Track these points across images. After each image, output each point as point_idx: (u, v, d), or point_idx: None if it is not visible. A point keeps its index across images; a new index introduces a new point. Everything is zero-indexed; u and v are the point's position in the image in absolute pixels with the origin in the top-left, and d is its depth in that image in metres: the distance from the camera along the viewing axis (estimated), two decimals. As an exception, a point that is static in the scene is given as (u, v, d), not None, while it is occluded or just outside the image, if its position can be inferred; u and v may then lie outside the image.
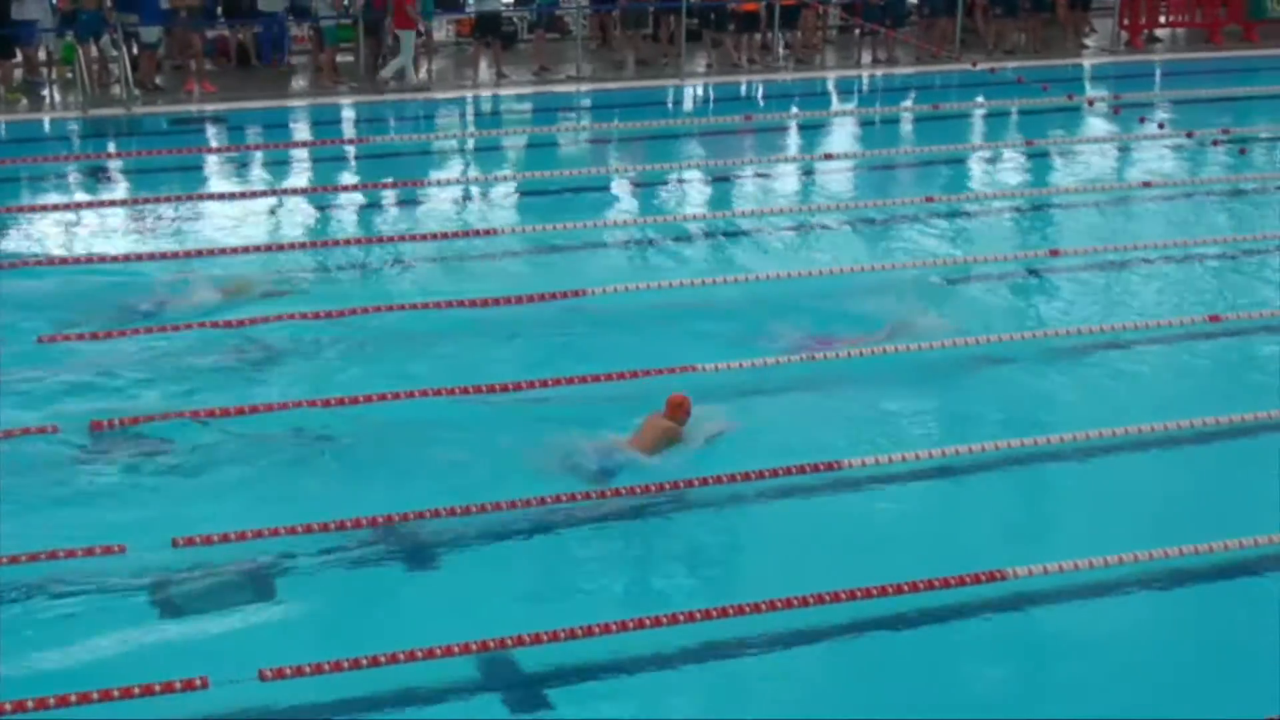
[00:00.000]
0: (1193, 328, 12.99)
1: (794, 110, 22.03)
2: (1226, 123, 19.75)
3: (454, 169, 18.83)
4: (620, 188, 17.81)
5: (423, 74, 21.98)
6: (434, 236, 15.42)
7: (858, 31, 24.08)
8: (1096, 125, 20.57)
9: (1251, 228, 15.94)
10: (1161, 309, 13.37)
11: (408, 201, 17.04)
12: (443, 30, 24.35)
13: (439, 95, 21.67)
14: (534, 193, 17.35)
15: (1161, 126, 19.65)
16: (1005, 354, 12.40)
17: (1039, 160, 18.95)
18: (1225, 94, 21.63)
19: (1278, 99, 21.48)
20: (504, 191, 17.74)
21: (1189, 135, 19.30)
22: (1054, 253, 14.92)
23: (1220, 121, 19.79)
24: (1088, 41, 25.18)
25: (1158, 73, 23.94)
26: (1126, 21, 24.93)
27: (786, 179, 18.23)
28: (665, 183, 17.95)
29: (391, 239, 15.44)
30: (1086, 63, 24.27)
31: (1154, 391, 11.88)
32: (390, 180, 17.67)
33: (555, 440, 10.58)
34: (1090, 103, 21.23)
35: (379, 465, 10.53)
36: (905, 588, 8.88)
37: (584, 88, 22.03)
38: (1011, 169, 18.82)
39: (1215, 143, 18.97)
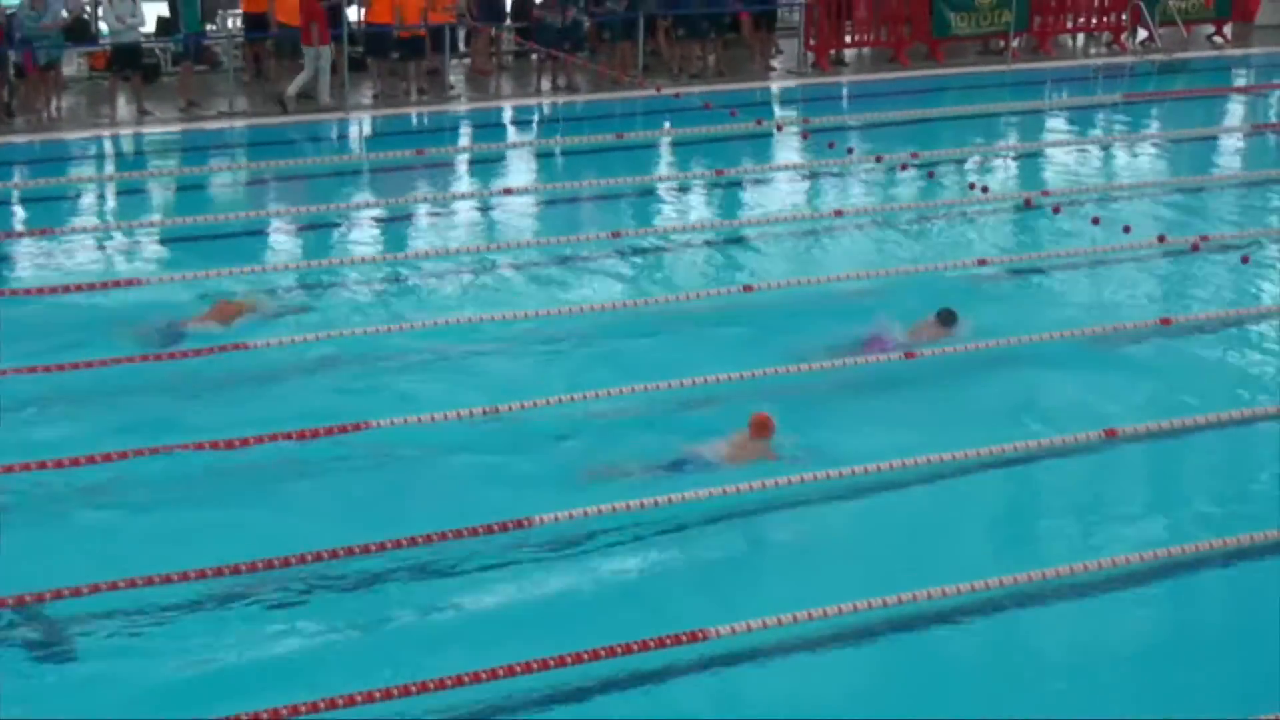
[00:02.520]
0: (890, 366, 13.48)
1: (469, 142, 22.13)
2: (914, 146, 20.69)
3: (91, 215, 18.22)
4: (280, 231, 17.55)
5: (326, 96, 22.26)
6: (68, 289, 14.87)
7: (534, 57, 24.35)
8: (786, 151, 21.30)
9: (942, 255, 16.72)
10: (855, 344, 13.79)
11: (34, 252, 16.41)
12: (74, 65, 23.59)
13: (70, 135, 20.97)
14: (183, 239, 16.95)
15: (851, 151, 20.47)
16: (707, 397, 12.69)
17: (729, 190, 19.50)
18: (913, 116, 22.69)
19: (964, 120, 22.68)
20: (148, 238, 17.25)
21: (878, 160, 20.16)
22: (747, 289, 15.33)
23: (908, 145, 20.73)
24: (774, 63, 26.04)
25: (845, 95, 24.95)
26: (813, 42, 25.89)
27: (463, 216, 18.29)
28: (331, 225, 17.77)
29: (19, 293, 14.86)
30: (774, 85, 25.11)
31: (866, 432, 12.25)
32: (14, 230, 17.03)
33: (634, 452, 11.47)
34: (779, 128, 21.96)
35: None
36: (602, 653, 8.99)
37: (238, 124, 21.66)
38: (701, 200, 19.31)
39: (904, 167, 19.87)
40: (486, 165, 20.74)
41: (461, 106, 23.32)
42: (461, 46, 25.33)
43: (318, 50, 22.13)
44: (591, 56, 24.46)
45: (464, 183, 20.14)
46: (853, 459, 11.54)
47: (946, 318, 14.05)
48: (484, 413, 12.15)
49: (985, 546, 11.01)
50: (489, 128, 22.72)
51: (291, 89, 22.16)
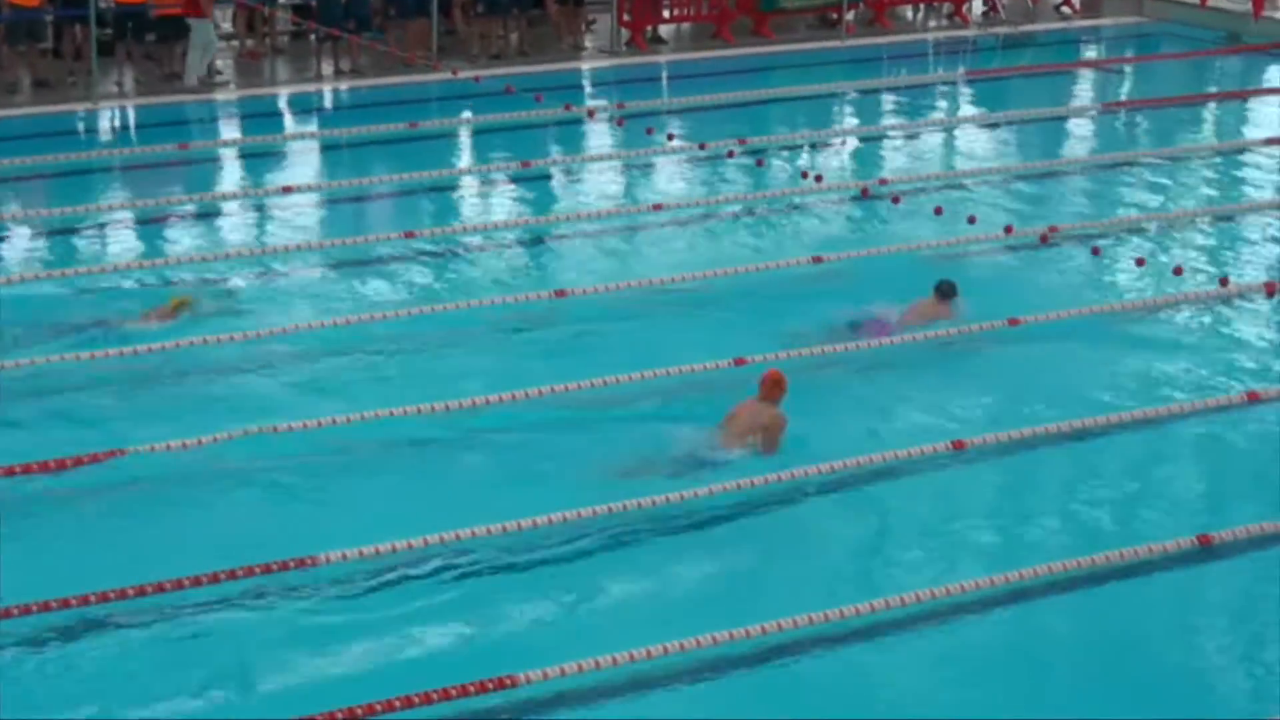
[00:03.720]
0: (719, 373, 13.62)
1: (240, 134, 21.87)
2: (741, 131, 20.94)
3: None
4: (18, 238, 17.26)
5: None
6: None
7: (313, 37, 24.17)
8: (599, 139, 21.41)
9: (773, 251, 16.95)
10: (683, 354, 13.88)
11: None
12: None
13: None
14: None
15: (671, 138, 20.64)
16: (498, 422, 12.73)
17: (535, 184, 19.55)
18: (739, 98, 22.94)
19: (795, 101, 23.01)
20: None
21: (701, 147, 20.35)
22: (559, 293, 15.39)
23: (734, 130, 20.97)
24: (584, 42, 26.17)
25: (665, 76, 25.14)
26: (627, 18, 26.05)
27: (236, 218, 18.12)
28: (79, 230, 17.46)
29: None
30: (585, 66, 25.24)
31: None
32: None
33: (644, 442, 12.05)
34: (591, 114, 22.07)
35: None
36: (398, 703, 9.01)
37: (-37, 118, 21.23)
38: (504, 195, 19.33)
39: (730, 154, 20.08)
40: (261, 160, 20.52)
41: (230, 94, 23.06)
42: (229, 26, 25.05)
43: (205, 25, 22.30)
44: (379, 36, 24.36)
45: (235, 180, 19.93)
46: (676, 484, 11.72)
47: (946, 290, 14.73)
48: (259, 432, 12.11)
49: (830, 574, 11.15)
50: (263, 117, 22.43)
51: (191, 75, 22.35)
